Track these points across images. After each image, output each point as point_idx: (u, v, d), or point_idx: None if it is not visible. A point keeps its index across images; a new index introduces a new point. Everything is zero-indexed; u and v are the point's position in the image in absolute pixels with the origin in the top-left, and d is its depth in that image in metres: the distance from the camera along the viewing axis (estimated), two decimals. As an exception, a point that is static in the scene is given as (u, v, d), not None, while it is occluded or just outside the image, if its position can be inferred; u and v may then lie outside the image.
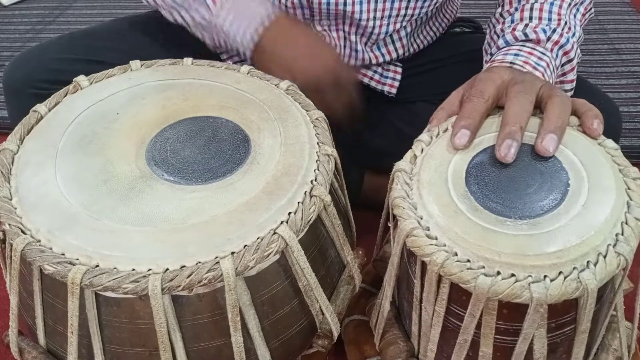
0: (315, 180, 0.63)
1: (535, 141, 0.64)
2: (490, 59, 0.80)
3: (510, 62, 0.75)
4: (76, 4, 1.97)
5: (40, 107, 0.70)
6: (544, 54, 0.77)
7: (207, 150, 0.66)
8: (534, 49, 0.77)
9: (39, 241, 0.58)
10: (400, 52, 0.99)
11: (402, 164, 0.64)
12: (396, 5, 0.90)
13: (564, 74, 0.82)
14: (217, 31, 0.84)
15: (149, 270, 0.55)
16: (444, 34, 1.05)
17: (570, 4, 0.83)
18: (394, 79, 1.01)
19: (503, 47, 0.80)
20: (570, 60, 0.81)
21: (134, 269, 0.55)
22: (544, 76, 0.74)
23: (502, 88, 0.68)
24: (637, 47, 1.65)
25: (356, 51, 0.95)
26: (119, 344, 0.60)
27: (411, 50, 1.01)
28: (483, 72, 0.72)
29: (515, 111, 0.64)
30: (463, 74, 0.79)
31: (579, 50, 0.83)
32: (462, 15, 1.10)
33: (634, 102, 1.44)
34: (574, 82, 0.84)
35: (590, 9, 0.88)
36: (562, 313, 0.57)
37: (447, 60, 1.03)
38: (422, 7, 0.92)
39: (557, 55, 0.79)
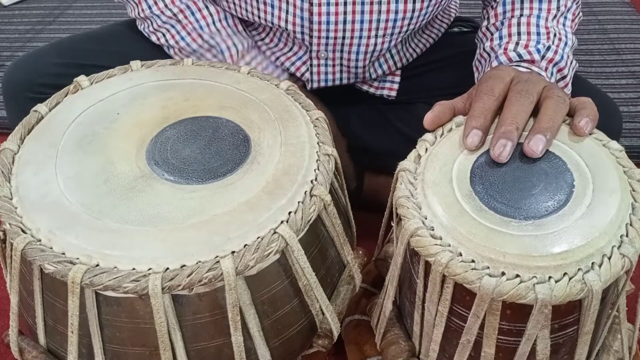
0: (316, 179, 0.63)
1: (523, 142, 0.63)
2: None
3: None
4: (76, 4, 1.97)
5: (41, 107, 0.70)
6: (539, 73, 0.76)
7: (207, 150, 0.66)
8: (530, 68, 0.77)
9: (40, 240, 0.57)
10: (399, 64, 0.99)
11: (406, 164, 0.64)
12: (398, 23, 0.87)
13: None
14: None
15: (149, 269, 0.55)
16: (442, 36, 1.05)
17: (556, 15, 0.83)
18: (392, 82, 1.01)
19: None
20: (563, 77, 0.80)
21: (134, 268, 0.55)
22: None
23: (509, 86, 0.67)
24: (637, 47, 1.65)
25: (355, 72, 0.94)
26: (119, 344, 0.60)
27: (410, 60, 1.01)
28: (490, 71, 0.72)
29: (513, 111, 0.64)
30: (462, 74, 0.78)
31: (574, 63, 0.82)
32: (461, 15, 1.10)
33: (634, 102, 1.44)
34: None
35: (579, 13, 0.87)
36: (566, 314, 0.57)
37: (446, 61, 1.03)
38: (422, 20, 0.90)
39: (552, 74, 0.78)
